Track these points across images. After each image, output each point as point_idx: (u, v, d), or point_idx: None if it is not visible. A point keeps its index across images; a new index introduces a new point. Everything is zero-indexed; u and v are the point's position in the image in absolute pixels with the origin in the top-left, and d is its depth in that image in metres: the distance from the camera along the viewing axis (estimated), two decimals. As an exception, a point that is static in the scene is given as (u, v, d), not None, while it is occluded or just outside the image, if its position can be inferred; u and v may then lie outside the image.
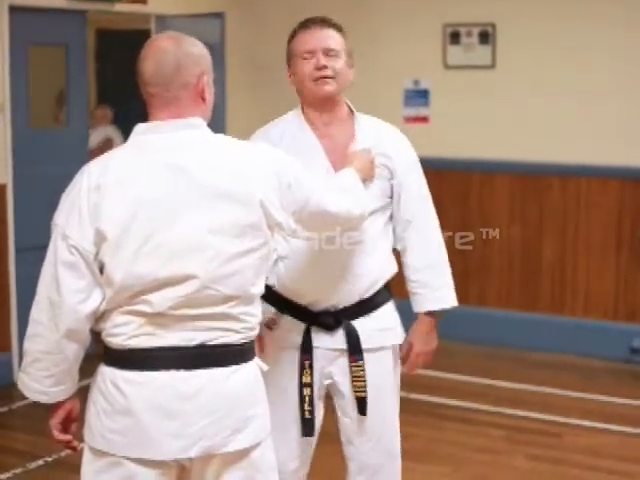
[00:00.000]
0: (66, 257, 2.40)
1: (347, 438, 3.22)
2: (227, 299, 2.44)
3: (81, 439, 2.54)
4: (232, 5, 7.33)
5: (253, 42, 7.43)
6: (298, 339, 3.11)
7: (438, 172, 6.25)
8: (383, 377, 3.18)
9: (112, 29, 9.14)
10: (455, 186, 6.94)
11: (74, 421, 2.61)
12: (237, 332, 2.48)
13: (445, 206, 6.27)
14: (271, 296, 3.05)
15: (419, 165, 3.23)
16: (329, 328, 3.11)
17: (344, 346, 3.11)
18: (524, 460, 4.78)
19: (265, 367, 2.60)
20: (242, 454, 2.50)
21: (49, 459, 4.85)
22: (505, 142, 6.83)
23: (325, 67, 3.07)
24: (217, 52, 6.84)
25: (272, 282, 3.09)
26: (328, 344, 3.12)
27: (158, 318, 2.41)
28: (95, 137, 7.69)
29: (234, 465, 2.50)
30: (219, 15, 7.06)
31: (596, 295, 6.69)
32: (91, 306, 2.42)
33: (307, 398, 3.11)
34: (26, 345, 2.49)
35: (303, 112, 3.16)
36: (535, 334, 6.78)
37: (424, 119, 7.08)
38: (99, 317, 2.46)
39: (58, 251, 2.41)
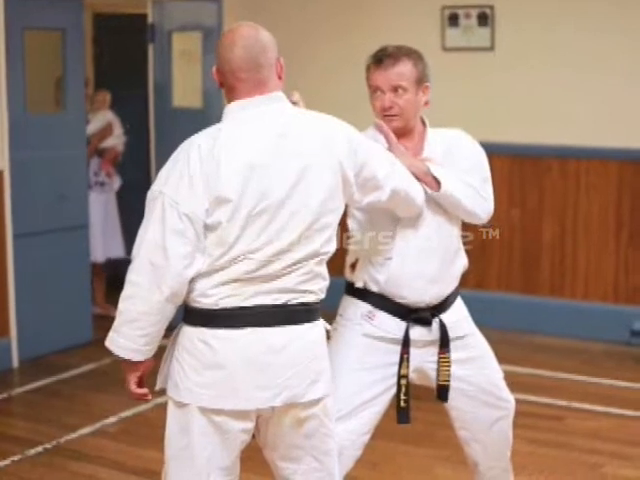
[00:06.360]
0: (176, 224, 2.59)
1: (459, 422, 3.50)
2: (313, 257, 2.69)
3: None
4: (229, -11, 7.28)
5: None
6: (398, 333, 3.29)
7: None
8: (483, 345, 3.56)
9: (109, 13, 9.09)
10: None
11: (145, 378, 2.82)
12: (314, 293, 2.74)
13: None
14: (367, 294, 3.31)
15: (483, 166, 3.36)
16: (427, 323, 3.32)
17: (435, 337, 3.33)
18: (524, 443, 4.75)
19: (329, 326, 2.85)
20: (317, 402, 2.78)
21: (48, 446, 4.84)
22: (504, 124, 6.81)
23: (391, 107, 3.23)
24: (214, 37, 6.80)
25: (374, 281, 3.28)
26: (423, 337, 3.33)
27: (252, 280, 2.64)
28: (96, 122, 7.62)
29: (310, 411, 2.77)
30: (216, -1, 7.02)
31: (596, 278, 6.68)
32: (194, 270, 2.63)
33: (404, 388, 3.33)
34: (121, 306, 2.69)
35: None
36: (535, 317, 6.78)
37: (423, 102, 7.03)
38: (192, 279, 2.65)
39: (167, 218, 2.59)
